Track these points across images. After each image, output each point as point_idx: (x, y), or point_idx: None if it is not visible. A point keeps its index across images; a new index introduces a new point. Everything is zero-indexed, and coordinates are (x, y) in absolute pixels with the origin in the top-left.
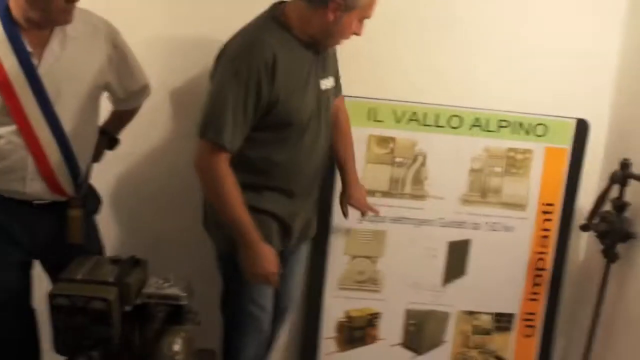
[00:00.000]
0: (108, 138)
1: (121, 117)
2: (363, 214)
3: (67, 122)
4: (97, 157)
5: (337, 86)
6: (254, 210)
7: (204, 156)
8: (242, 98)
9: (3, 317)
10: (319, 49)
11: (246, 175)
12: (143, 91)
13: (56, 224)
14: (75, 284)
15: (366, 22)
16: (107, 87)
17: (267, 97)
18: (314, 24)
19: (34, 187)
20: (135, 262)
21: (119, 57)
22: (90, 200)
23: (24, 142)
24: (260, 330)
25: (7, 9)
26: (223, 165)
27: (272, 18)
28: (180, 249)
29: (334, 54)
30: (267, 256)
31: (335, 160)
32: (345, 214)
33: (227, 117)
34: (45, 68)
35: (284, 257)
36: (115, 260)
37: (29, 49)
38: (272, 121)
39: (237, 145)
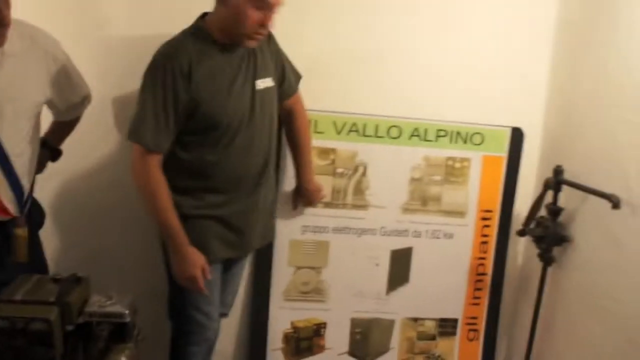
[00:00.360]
0: (50, 149)
1: (63, 127)
2: (312, 202)
3: (8, 142)
4: (39, 169)
5: (286, 84)
6: (197, 216)
7: (135, 159)
8: (161, 101)
9: None
10: (241, 47)
11: (186, 180)
12: (84, 101)
13: (1, 244)
14: (15, 305)
15: (306, 34)
16: (48, 102)
17: (185, 100)
18: (224, 20)
19: None
20: (76, 280)
21: (59, 69)
22: (34, 215)
23: None
24: (206, 338)
25: None
26: (152, 167)
27: (195, 28)
28: (123, 264)
29: (277, 55)
30: (193, 260)
31: (291, 153)
32: (294, 207)
33: (148, 119)
34: None
35: (228, 266)
36: (56, 279)
37: None
38: (199, 124)
39: (163, 147)
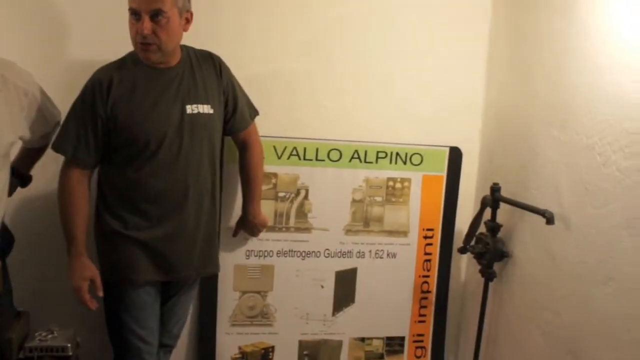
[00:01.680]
0: (20, 176)
1: (32, 154)
2: (254, 234)
3: None
4: (10, 193)
5: (238, 117)
6: (123, 235)
7: (61, 168)
8: (81, 117)
9: None
10: (171, 69)
11: (114, 200)
12: (55, 128)
13: None
14: None
15: (244, 59)
16: (20, 139)
17: (103, 117)
18: None
19: None
20: (16, 315)
21: (30, 103)
22: (4, 241)
23: None
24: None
25: None
26: (68, 177)
27: (131, 52)
28: (65, 297)
29: (227, 86)
30: (80, 271)
31: (241, 184)
32: (235, 234)
33: (69, 133)
34: None
35: (172, 289)
36: None
37: None
38: (119, 140)
39: (81, 159)
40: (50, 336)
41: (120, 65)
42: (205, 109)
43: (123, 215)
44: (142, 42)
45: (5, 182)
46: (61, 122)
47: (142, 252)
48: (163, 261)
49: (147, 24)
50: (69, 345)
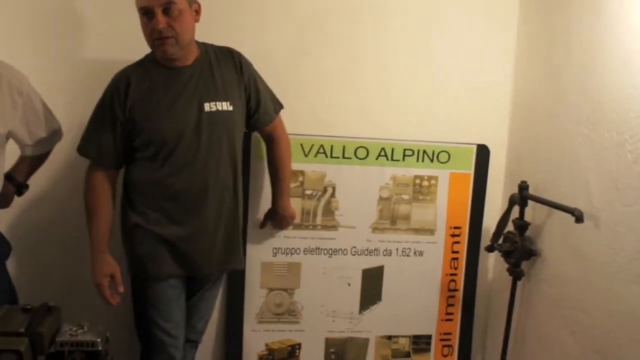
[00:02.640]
0: (16, 184)
1: (30, 162)
2: (283, 227)
3: None
4: (4, 203)
5: (261, 112)
6: (143, 230)
7: (87, 169)
8: (101, 120)
9: None
10: (187, 68)
11: (136, 198)
12: (53, 137)
13: None
14: None
15: (273, 58)
16: (11, 134)
17: (122, 118)
18: None
19: None
20: (47, 310)
21: (25, 102)
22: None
23: None
24: (169, 356)
25: None
26: (92, 178)
27: (148, 54)
28: (95, 293)
29: (249, 82)
30: (100, 268)
31: (270, 178)
32: (262, 226)
33: (92, 136)
34: None
35: (197, 285)
36: (26, 309)
37: None
38: (139, 140)
39: (105, 161)
40: (80, 331)
41: (138, 67)
42: (225, 106)
43: (145, 212)
44: (158, 38)
45: None
46: (85, 129)
47: (164, 247)
48: (184, 258)
49: (161, 18)
50: (99, 340)
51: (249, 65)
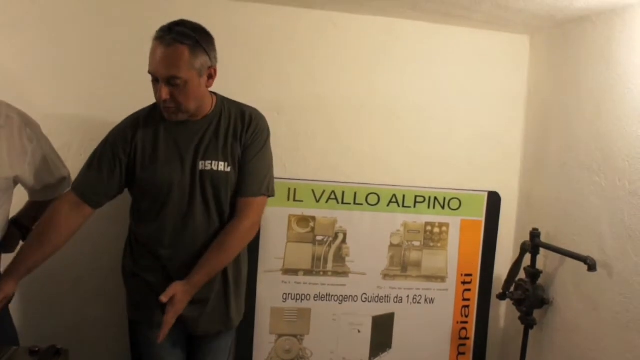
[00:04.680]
0: (22, 228)
1: (37, 207)
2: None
3: None
4: (10, 248)
5: (241, 180)
6: (137, 278)
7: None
8: (100, 156)
9: None
10: (196, 124)
11: (135, 247)
12: (61, 184)
13: None
14: None
15: (286, 105)
16: (19, 179)
17: (125, 161)
18: None
19: None
20: (55, 352)
21: (34, 149)
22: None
23: None
24: None
25: None
26: (61, 201)
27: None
28: (100, 335)
29: (247, 149)
30: None
31: None
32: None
33: (84, 168)
34: None
35: (200, 343)
36: (34, 351)
37: None
38: (137, 188)
39: (83, 191)
40: None
41: (148, 113)
42: (222, 166)
43: (140, 261)
44: (164, 105)
45: (2, 219)
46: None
47: (156, 298)
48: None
49: (164, 90)
50: None
51: (259, 132)
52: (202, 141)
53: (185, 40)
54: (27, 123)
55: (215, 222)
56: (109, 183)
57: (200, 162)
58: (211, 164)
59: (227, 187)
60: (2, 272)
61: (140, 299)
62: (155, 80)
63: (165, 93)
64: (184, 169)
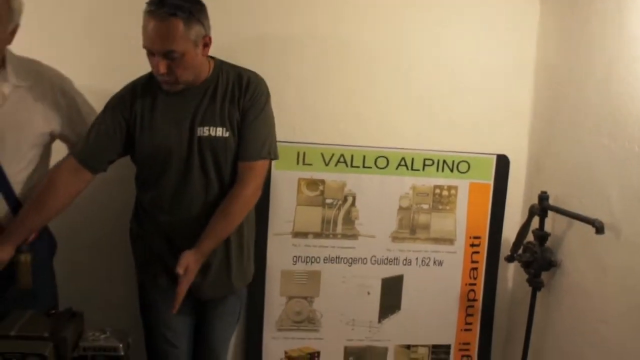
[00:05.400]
0: None
1: None
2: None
3: (11, 171)
4: None
5: (241, 145)
6: (145, 242)
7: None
8: (101, 123)
9: None
10: (192, 91)
11: (139, 210)
12: None
13: (6, 271)
14: (10, 341)
15: (294, 70)
16: (55, 134)
17: (124, 126)
18: None
19: None
20: (71, 315)
21: (68, 103)
22: (42, 244)
23: None
24: None
25: None
26: (60, 167)
27: None
28: (115, 299)
29: (247, 114)
30: None
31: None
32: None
33: (85, 134)
34: None
35: (206, 305)
36: (50, 314)
37: None
38: (137, 154)
39: (82, 156)
40: (103, 336)
41: (147, 81)
42: (220, 131)
43: (146, 226)
44: (161, 78)
45: (40, 177)
46: None
47: (160, 263)
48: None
49: (161, 64)
50: (121, 345)
51: (257, 96)
52: (200, 107)
53: (178, 12)
54: (59, 79)
55: (215, 188)
56: (108, 148)
57: (199, 128)
58: (209, 129)
59: (225, 153)
60: (49, 231)
61: (145, 261)
62: (151, 54)
63: (162, 67)
64: (182, 136)
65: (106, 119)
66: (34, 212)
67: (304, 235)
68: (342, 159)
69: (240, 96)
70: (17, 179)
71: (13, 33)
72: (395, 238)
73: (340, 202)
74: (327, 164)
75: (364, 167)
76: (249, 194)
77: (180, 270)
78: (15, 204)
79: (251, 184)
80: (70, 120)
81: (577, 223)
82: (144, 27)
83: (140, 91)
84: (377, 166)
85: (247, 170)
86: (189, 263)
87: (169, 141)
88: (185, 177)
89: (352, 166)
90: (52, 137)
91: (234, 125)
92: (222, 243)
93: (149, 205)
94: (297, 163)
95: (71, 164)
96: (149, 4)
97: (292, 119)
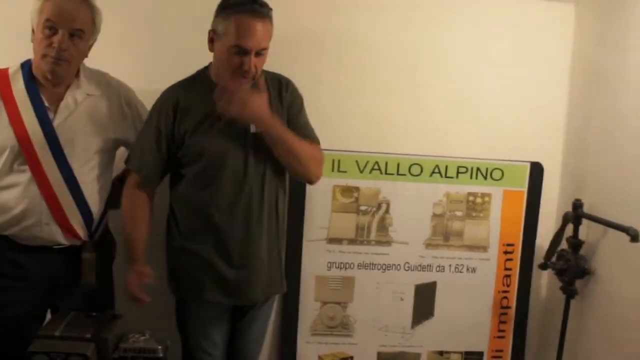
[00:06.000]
0: None
1: None
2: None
3: (79, 171)
4: (116, 204)
5: (302, 133)
6: (187, 253)
7: (126, 181)
8: (148, 131)
9: None
10: None
11: (181, 219)
12: None
13: (73, 268)
14: (54, 341)
15: (329, 75)
16: (119, 142)
17: (170, 131)
18: (215, 65)
19: (49, 232)
20: (112, 317)
21: (133, 114)
22: (105, 246)
23: (38, 189)
24: None
25: (30, 66)
26: (132, 186)
27: (199, 71)
28: (155, 303)
29: (289, 107)
30: (134, 276)
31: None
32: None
33: (137, 148)
34: (59, 121)
35: (243, 310)
36: (92, 316)
37: (46, 104)
38: (185, 156)
39: (148, 170)
40: (142, 338)
41: (189, 83)
42: None
43: (190, 235)
44: (244, 73)
45: (105, 180)
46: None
47: (206, 273)
48: (227, 286)
49: (254, 60)
50: (160, 347)
51: (295, 91)
52: None
53: (269, 11)
54: (125, 90)
55: (262, 185)
56: (164, 159)
57: (251, 125)
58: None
59: None
60: (112, 236)
61: (189, 274)
62: (242, 53)
63: (259, 64)
64: (235, 132)
65: (151, 133)
66: (136, 229)
67: (339, 241)
68: (376, 166)
69: (282, 93)
70: (85, 179)
71: (91, 47)
72: (428, 245)
73: (374, 209)
74: (361, 171)
75: (398, 174)
76: (319, 152)
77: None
78: (83, 204)
79: (320, 153)
80: (134, 129)
81: (611, 231)
82: (244, 27)
83: (182, 94)
84: (411, 173)
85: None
86: (261, 100)
87: (224, 139)
88: (241, 174)
89: (386, 173)
90: (117, 143)
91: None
92: (276, 241)
93: (203, 206)
94: (332, 170)
95: (139, 185)
96: (242, 3)
97: (327, 125)
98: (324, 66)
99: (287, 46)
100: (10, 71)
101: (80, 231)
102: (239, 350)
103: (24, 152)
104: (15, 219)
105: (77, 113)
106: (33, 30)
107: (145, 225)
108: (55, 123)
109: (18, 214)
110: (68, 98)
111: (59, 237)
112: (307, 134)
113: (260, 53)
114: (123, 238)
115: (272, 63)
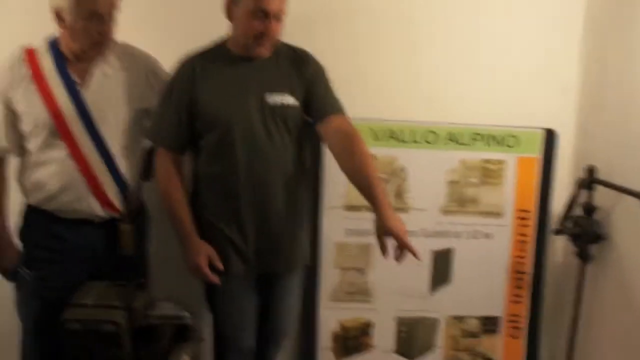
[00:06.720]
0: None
1: None
2: (401, 249)
3: (112, 143)
4: (147, 175)
5: (314, 108)
6: (210, 226)
7: (156, 155)
8: (167, 102)
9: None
10: (256, 59)
11: (202, 192)
12: None
13: (111, 240)
14: (86, 309)
15: (343, 44)
16: (150, 111)
17: (187, 99)
18: (234, 33)
19: (87, 205)
20: (139, 286)
21: (159, 83)
22: (142, 219)
23: (74, 163)
24: (239, 347)
25: (56, 44)
26: (161, 161)
27: (216, 41)
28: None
29: (311, 79)
30: (196, 249)
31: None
32: (382, 251)
33: (158, 120)
34: (89, 95)
35: (271, 283)
36: (121, 285)
37: (75, 78)
38: (201, 125)
39: (171, 141)
40: (169, 305)
41: (206, 53)
42: (284, 99)
43: (211, 209)
44: (262, 39)
45: (136, 151)
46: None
47: (229, 246)
48: (250, 257)
49: (275, 26)
50: (187, 314)
51: (315, 65)
52: (265, 76)
53: None
54: (150, 60)
55: (289, 156)
56: (184, 127)
57: (268, 97)
58: (276, 97)
59: (294, 119)
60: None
61: (216, 249)
62: (263, 16)
63: (277, 30)
64: (251, 103)
65: (169, 103)
66: (182, 208)
67: (357, 208)
68: (392, 135)
69: (302, 65)
70: (118, 151)
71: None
72: (445, 211)
73: (391, 176)
74: (377, 139)
75: (413, 141)
76: (360, 139)
77: (412, 248)
78: (117, 175)
79: (355, 130)
80: None
81: (625, 197)
82: None
83: (199, 64)
84: (426, 141)
85: (342, 122)
86: (399, 226)
87: (240, 110)
88: (257, 146)
89: (402, 141)
90: (148, 114)
91: (299, 94)
92: (295, 212)
93: (221, 177)
94: None
95: (167, 157)
96: None
97: (341, 95)
98: (338, 34)
99: (302, 15)
100: (37, 49)
101: (117, 202)
102: (273, 321)
103: (58, 129)
104: (54, 194)
105: (106, 86)
106: (59, 17)
107: (184, 203)
108: (86, 97)
109: (56, 190)
110: (96, 72)
111: (98, 210)
112: (334, 105)
113: (279, 18)
114: (169, 218)
115: (288, 31)
